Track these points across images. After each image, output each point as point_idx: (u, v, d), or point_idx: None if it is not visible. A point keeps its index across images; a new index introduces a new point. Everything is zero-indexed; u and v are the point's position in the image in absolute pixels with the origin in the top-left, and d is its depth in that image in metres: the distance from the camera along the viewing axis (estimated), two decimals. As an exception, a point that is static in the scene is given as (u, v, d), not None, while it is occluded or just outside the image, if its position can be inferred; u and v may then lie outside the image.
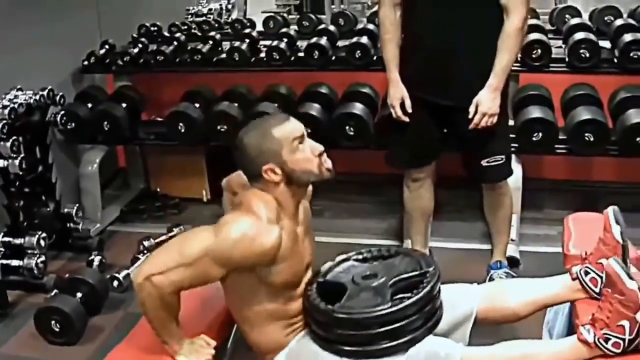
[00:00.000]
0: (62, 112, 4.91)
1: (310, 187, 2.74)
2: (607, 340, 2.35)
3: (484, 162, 3.72)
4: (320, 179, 2.57)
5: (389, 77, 3.71)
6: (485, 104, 3.50)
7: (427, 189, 3.99)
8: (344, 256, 2.81)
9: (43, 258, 4.29)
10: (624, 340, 2.34)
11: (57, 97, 4.77)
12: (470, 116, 3.53)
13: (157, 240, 4.58)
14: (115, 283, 4.25)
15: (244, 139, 2.54)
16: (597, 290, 2.66)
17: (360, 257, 2.80)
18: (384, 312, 2.44)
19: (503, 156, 3.74)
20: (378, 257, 2.79)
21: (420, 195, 3.97)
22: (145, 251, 4.51)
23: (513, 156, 4.51)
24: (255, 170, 2.51)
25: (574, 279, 2.73)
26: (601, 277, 2.64)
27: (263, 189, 2.53)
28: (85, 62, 5.46)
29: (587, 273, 2.69)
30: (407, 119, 3.67)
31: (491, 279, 4.04)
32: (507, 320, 2.82)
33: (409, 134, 3.75)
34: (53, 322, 3.75)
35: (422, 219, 4.10)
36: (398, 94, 3.67)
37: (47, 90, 4.67)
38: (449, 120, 3.70)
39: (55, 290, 4.11)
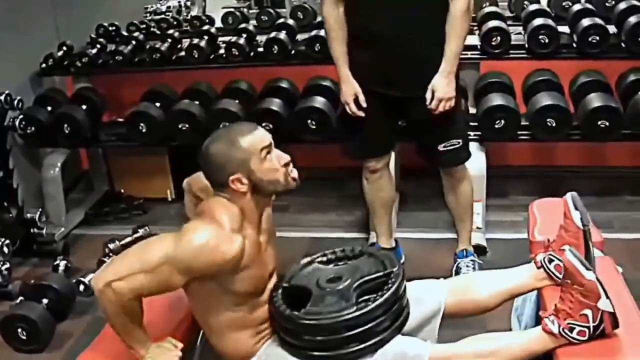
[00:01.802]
0: (21, 117, 4.85)
1: None
2: (572, 329, 2.37)
3: (440, 147, 3.74)
4: (286, 189, 2.56)
5: (340, 74, 3.72)
6: (441, 89, 3.52)
7: (387, 180, 4.01)
8: (307, 259, 2.79)
9: (7, 265, 4.24)
10: (588, 327, 2.36)
11: (16, 102, 4.73)
12: (427, 103, 3.54)
13: (122, 242, 4.54)
14: (82, 287, 4.20)
15: (211, 147, 2.51)
16: (561, 276, 2.66)
17: (324, 259, 2.78)
18: (349, 316, 2.43)
19: (460, 140, 3.76)
20: (342, 259, 2.78)
21: (380, 186, 3.98)
22: (110, 254, 4.47)
23: (477, 144, 4.54)
24: (222, 179, 2.48)
25: (538, 268, 2.75)
26: (565, 264, 2.65)
27: (228, 198, 2.51)
28: (43, 65, 5.38)
29: (551, 261, 2.70)
30: (362, 114, 3.68)
31: (458, 268, 4.07)
32: (476, 312, 2.82)
33: (364, 126, 3.75)
34: (19, 329, 3.71)
35: (384, 211, 4.11)
36: (351, 90, 3.69)
37: (4, 95, 4.63)
38: (403, 111, 3.72)
39: (20, 297, 4.05)
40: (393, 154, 4.50)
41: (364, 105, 3.67)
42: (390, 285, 2.51)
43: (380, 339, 2.46)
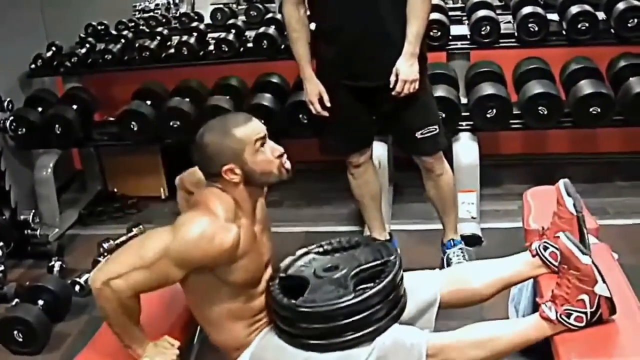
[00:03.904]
0: (12, 118, 4.84)
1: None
2: (569, 315, 2.37)
3: (418, 135, 3.72)
4: (279, 180, 2.56)
5: (303, 74, 3.73)
6: (404, 71, 3.50)
7: (372, 173, 4.00)
8: (304, 250, 2.79)
9: (2, 267, 4.23)
10: (585, 313, 2.36)
11: (6, 103, 4.72)
12: (391, 86, 3.52)
13: (117, 242, 4.53)
14: (78, 288, 4.20)
15: (205, 137, 2.50)
16: (557, 264, 2.67)
17: (320, 249, 2.79)
18: (347, 303, 2.42)
19: (436, 126, 3.74)
20: (338, 249, 2.78)
21: (366, 181, 3.97)
22: (105, 253, 4.46)
23: (469, 134, 4.54)
24: (215, 169, 2.48)
25: (534, 256, 2.75)
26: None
27: (221, 188, 2.50)
28: (33, 66, 5.37)
29: (546, 248, 2.71)
30: (326, 114, 3.69)
31: (448, 259, 4.04)
32: (473, 302, 2.82)
33: (341, 121, 3.74)
34: (16, 332, 3.69)
35: (373, 204, 4.10)
36: (315, 89, 3.69)
37: (-6, 97, 4.61)
38: (377, 102, 3.69)
39: (16, 300, 4.03)
40: (386, 146, 4.50)
41: (328, 104, 3.67)
42: (387, 274, 2.51)
43: (377, 328, 2.46)
